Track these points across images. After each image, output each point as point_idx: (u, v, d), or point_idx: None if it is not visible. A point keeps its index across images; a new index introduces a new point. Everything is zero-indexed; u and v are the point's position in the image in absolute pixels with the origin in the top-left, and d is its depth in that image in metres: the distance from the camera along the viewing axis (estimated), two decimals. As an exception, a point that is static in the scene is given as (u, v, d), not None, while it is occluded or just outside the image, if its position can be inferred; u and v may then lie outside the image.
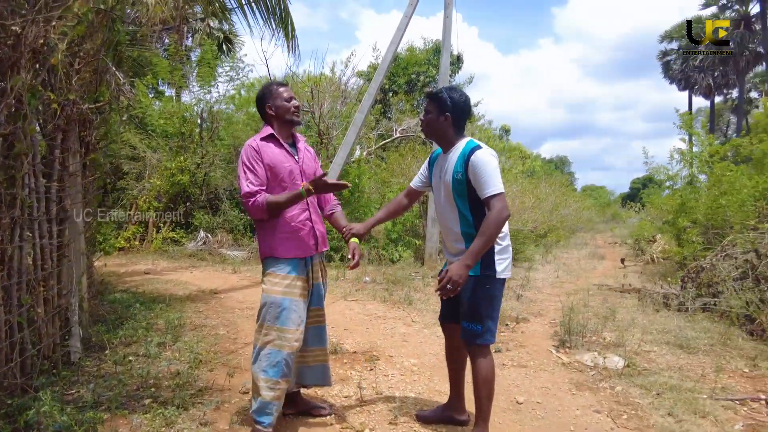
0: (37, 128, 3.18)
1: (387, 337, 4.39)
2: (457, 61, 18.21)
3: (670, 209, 9.54)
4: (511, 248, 2.37)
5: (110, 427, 2.46)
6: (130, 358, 3.51)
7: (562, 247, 15.64)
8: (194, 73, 13.65)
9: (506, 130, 24.77)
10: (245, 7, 5.51)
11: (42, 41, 2.74)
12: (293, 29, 5.93)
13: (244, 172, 2.36)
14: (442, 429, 2.61)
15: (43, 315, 2.92)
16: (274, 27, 5.75)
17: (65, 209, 3.28)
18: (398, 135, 14.57)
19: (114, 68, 4.04)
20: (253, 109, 13.30)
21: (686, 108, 34.09)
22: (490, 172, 2.18)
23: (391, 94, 18.82)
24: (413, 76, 18.58)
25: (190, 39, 17.44)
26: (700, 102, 37.37)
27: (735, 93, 32.17)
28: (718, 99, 34.43)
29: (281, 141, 2.46)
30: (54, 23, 2.74)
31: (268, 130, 2.46)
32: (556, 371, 3.56)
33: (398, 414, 2.73)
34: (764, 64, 27.34)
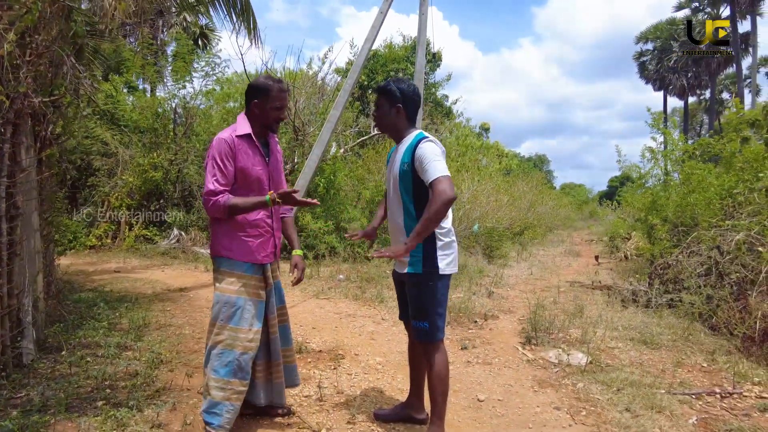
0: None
1: (355, 335, 4.36)
2: (434, 59, 18.24)
3: (643, 207, 9.71)
4: (456, 245, 2.35)
5: (56, 431, 2.38)
6: (88, 358, 3.41)
7: (538, 244, 15.78)
8: (169, 68, 13.42)
9: (485, 129, 24.93)
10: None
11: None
12: (254, 21, 5.89)
13: (213, 168, 2.25)
14: (399, 428, 2.59)
15: (-11, 316, 2.82)
16: (235, 20, 5.70)
17: (17, 206, 3.17)
18: (376, 132, 14.54)
19: (73, 61, 3.91)
20: (230, 104, 13.13)
21: (661, 108, 34.78)
22: (433, 159, 2.16)
23: (369, 91, 18.78)
24: (392, 73, 18.54)
25: (165, 33, 17.12)
26: (674, 102, 38.20)
27: (708, 94, 32.92)
28: (691, 99, 35.22)
29: (256, 141, 2.36)
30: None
31: (245, 127, 2.33)
32: (521, 368, 3.58)
33: (357, 413, 2.71)
34: (734, 65, 28.00)
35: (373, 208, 10.01)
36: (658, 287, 5.62)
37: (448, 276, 2.30)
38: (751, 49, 27.13)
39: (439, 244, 2.27)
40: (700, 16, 28.89)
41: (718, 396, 3.03)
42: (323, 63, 13.07)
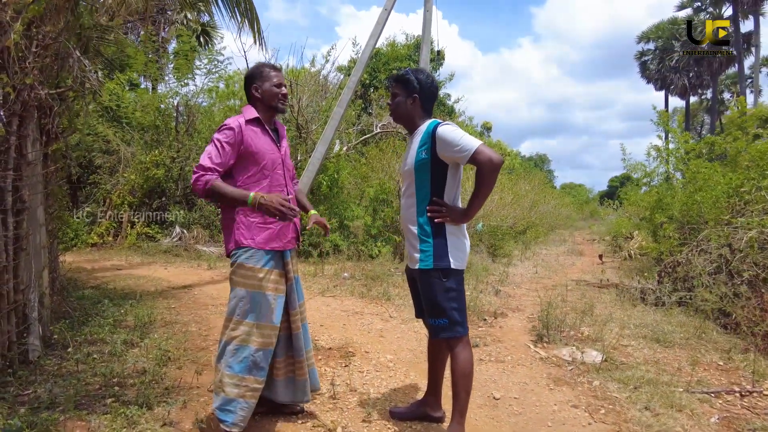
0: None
1: (364, 332, 4.30)
2: (437, 57, 18.18)
3: (647, 206, 9.66)
4: (467, 240, 2.30)
5: (66, 429, 2.32)
6: (95, 356, 3.35)
7: (541, 243, 15.73)
8: (171, 65, 13.36)
9: (488, 128, 24.84)
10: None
11: (-7, 19, 2.57)
12: (258, 21, 5.84)
13: (212, 147, 2.21)
14: (416, 426, 2.54)
15: (-4, 311, 2.76)
16: (239, 18, 5.66)
17: (23, 200, 3.11)
18: (379, 130, 14.49)
19: (78, 54, 3.85)
20: (231, 102, 13.07)
21: (663, 107, 34.69)
22: (461, 135, 2.12)
23: (372, 90, 18.72)
24: (394, 71, 18.50)
25: (166, 31, 17.05)
26: (676, 102, 38.21)
27: (709, 93, 32.88)
28: (693, 99, 35.17)
29: (266, 126, 2.33)
30: (5, 1, 2.57)
31: (252, 113, 2.32)
32: (534, 366, 3.52)
33: (372, 411, 2.65)
34: (736, 65, 27.96)
35: (377, 206, 9.96)
36: (667, 285, 5.57)
37: (460, 271, 2.24)
38: (753, 49, 27.11)
39: (449, 238, 2.21)
40: (702, 15, 28.84)
41: (737, 395, 2.98)
42: (326, 61, 13.04)
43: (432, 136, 2.18)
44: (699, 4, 29.03)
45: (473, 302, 5.25)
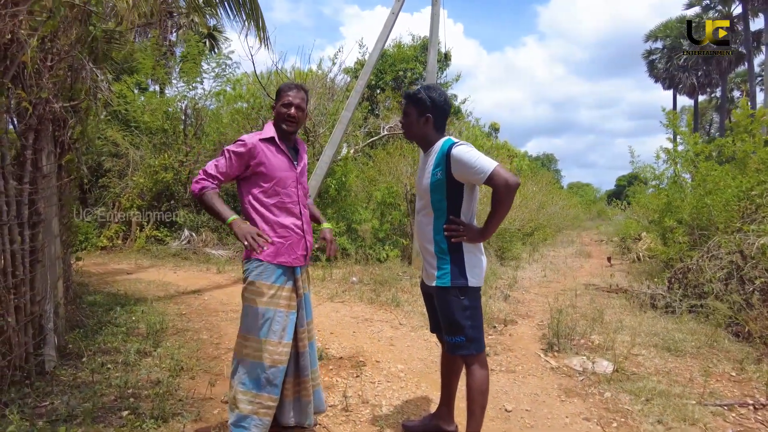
0: (11, 126, 3.06)
1: (374, 341, 4.32)
2: (444, 59, 18.16)
3: (656, 208, 9.61)
4: (484, 257, 2.30)
5: (84, 442, 2.35)
6: (109, 365, 3.39)
7: (549, 245, 15.70)
8: (178, 69, 13.46)
9: (495, 129, 24.77)
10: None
11: (9, 37, 2.61)
12: (263, 22, 5.89)
13: (222, 156, 2.28)
14: (429, 440, 2.55)
15: (14, 324, 2.80)
16: (244, 19, 5.71)
17: (38, 212, 3.15)
18: (386, 133, 14.49)
19: (90, 65, 3.89)
20: (239, 104, 13.11)
21: (671, 106, 34.51)
22: (477, 156, 2.12)
23: (378, 91, 18.72)
24: (400, 72, 18.48)
25: (174, 34, 17.15)
26: (684, 101, 37.92)
27: (718, 92, 32.61)
28: (701, 98, 34.91)
29: (282, 146, 2.36)
30: (22, 17, 2.60)
31: (269, 131, 2.36)
32: (545, 376, 3.52)
33: (384, 424, 2.67)
34: (746, 63, 27.70)
35: (384, 210, 9.97)
36: (677, 291, 5.54)
37: (477, 289, 2.24)
38: (763, 47, 26.85)
39: (467, 256, 2.22)
40: (710, 14, 28.62)
41: (751, 407, 2.97)
42: (333, 64, 13.06)
43: (447, 157, 2.17)
44: (708, 2, 28.80)
45: (483, 309, 5.24)
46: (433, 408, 2.91)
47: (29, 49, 2.79)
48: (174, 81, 13.48)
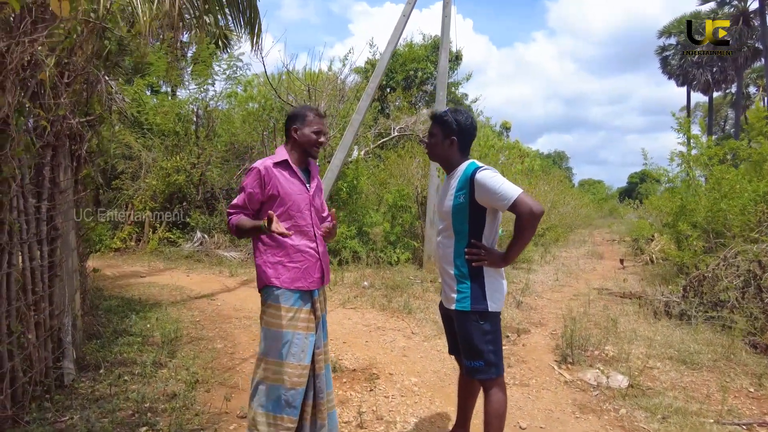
0: (32, 141, 3.09)
1: (387, 351, 4.32)
2: (455, 59, 18.07)
3: (670, 211, 9.51)
4: (505, 283, 2.30)
5: (103, 461, 2.39)
6: (125, 377, 3.43)
7: (561, 245, 15.60)
8: (189, 70, 13.52)
9: (507, 128, 24.61)
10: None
11: (28, 59, 2.64)
12: (260, 29, 6.00)
13: (242, 191, 2.31)
14: (444, 460, 2.55)
15: (34, 341, 2.84)
16: (242, 25, 5.82)
17: (56, 228, 3.19)
18: (396, 134, 14.47)
19: (106, 78, 3.92)
20: (250, 105, 13.17)
21: (684, 103, 34.09)
22: (501, 182, 2.11)
23: (388, 91, 18.70)
24: (411, 72, 18.44)
25: (186, 35, 17.23)
26: (698, 97, 37.36)
27: (734, 88, 32.12)
28: (716, 94, 34.37)
29: (295, 168, 2.36)
30: (41, 41, 2.63)
31: (282, 155, 2.36)
32: (559, 390, 3.51)
33: (399, 443, 2.67)
34: (762, 59, 27.20)
35: (395, 213, 9.96)
36: (692, 300, 5.48)
37: (497, 314, 2.23)
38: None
39: (487, 281, 2.20)
40: (726, 9, 28.16)
41: (770, 426, 2.93)
42: (343, 65, 13.06)
43: (470, 181, 2.16)
44: (723, -3, 28.33)
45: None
46: (447, 425, 2.91)
47: (48, 69, 2.82)
48: (186, 83, 13.56)
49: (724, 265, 5.46)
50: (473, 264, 2.20)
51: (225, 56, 12.83)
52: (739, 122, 31.59)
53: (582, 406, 3.23)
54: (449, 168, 2.35)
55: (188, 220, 11.42)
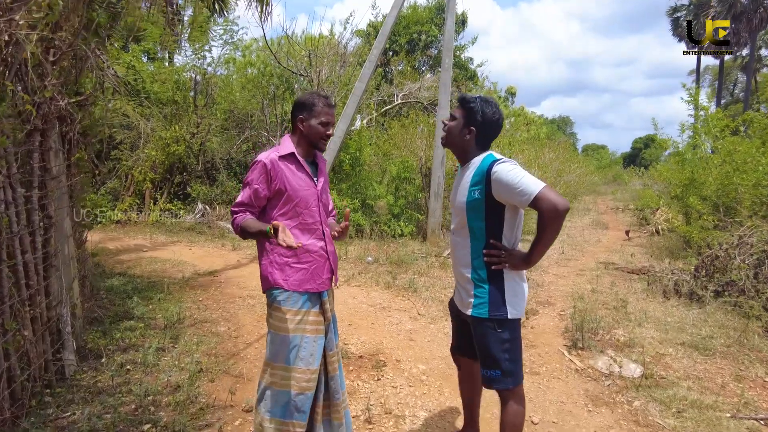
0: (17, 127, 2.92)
1: (393, 334, 4.25)
2: (461, 23, 17.45)
3: (679, 183, 9.32)
4: (527, 286, 2.14)
5: (106, 464, 2.33)
6: (128, 367, 3.37)
7: (565, 214, 15.44)
8: (186, 36, 13.07)
9: (512, 93, 24.01)
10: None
11: (7, 38, 2.43)
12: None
13: (247, 186, 2.13)
14: (456, 461, 2.49)
15: (31, 336, 2.75)
16: None
17: (50, 216, 3.05)
18: (400, 101, 14.11)
19: (98, 53, 3.69)
20: (249, 71, 12.77)
21: (694, 66, 33.26)
22: (522, 175, 1.91)
23: (391, 55, 18.16)
24: (415, 35, 17.86)
25: (180, -3, 16.59)
26: (708, 60, 36.34)
27: (745, 51, 31.18)
28: (727, 57, 33.41)
29: (302, 161, 2.18)
30: (20, 20, 2.42)
31: (288, 146, 2.16)
32: (570, 379, 3.44)
33: (409, 441, 2.61)
34: (778, 21, 26.34)
35: (399, 185, 9.79)
36: (703, 279, 5.37)
37: (518, 321, 2.09)
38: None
39: (507, 284, 2.05)
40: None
41: (788, 421, 2.86)
42: (344, 29, 12.59)
43: (487, 176, 1.98)
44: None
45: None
46: (456, 420, 2.85)
47: (29, 47, 2.62)
48: (184, 48, 13.12)
49: (737, 244, 5.33)
50: (492, 267, 2.05)
51: (221, 21, 12.36)
52: (750, 86, 30.86)
53: (594, 398, 3.16)
54: (464, 159, 2.15)
55: (189, 190, 11.26)
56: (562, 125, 49.00)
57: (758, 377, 3.46)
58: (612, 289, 5.88)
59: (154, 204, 11.17)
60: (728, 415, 2.90)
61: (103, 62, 3.94)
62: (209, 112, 11.86)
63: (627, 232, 11.26)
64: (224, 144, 12.02)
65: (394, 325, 4.49)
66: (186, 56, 12.53)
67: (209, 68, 12.20)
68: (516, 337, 2.08)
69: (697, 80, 33.20)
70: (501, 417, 2.11)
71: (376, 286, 5.87)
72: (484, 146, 2.13)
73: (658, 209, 12.01)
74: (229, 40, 12.19)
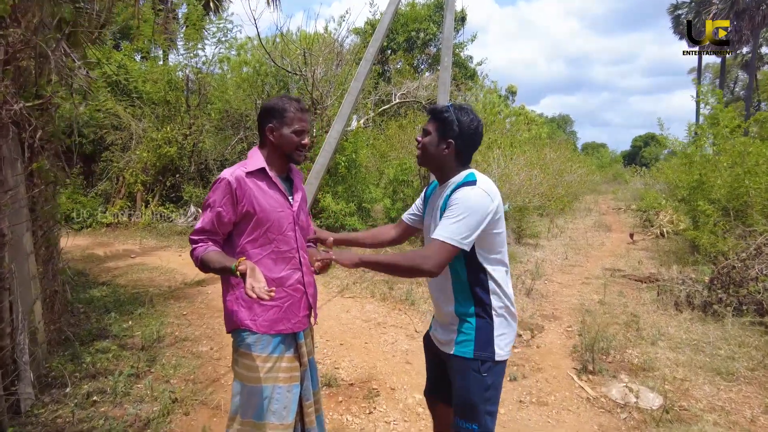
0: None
1: (388, 356, 3.94)
2: (460, 20, 17.12)
3: (686, 185, 9.00)
4: (516, 320, 1.83)
5: None
6: (95, 397, 3.06)
7: (567, 215, 15.15)
8: (180, 34, 12.74)
9: (512, 92, 23.65)
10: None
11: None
12: None
13: (208, 209, 1.79)
14: None
15: (-26, 372, 2.43)
16: None
17: (2, 233, 2.73)
18: (397, 100, 13.79)
19: (64, 48, 3.36)
20: (244, 70, 12.43)
21: (695, 64, 32.96)
22: (460, 214, 1.63)
23: (389, 53, 17.83)
24: (413, 33, 17.51)
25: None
26: (709, 58, 36.02)
27: (747, 49, 30.86)
28: (729, 55, 33.08)
29: (274, 178, 1.85)
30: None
31: (257, 161, 1.83)
32: (582, 411, 3.13)
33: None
34: (781, 18, 26.01)
35: (396, 187, 9.47)
36: (718, 292, 5.06)
37: (504, 362, 1.77)
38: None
39: (497, 321, 1.74)
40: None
41: (829, 465, 2.55)
42: (340, 26, 12.26)
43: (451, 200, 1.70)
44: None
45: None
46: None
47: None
48: (178, 47, 12.77)
49: (755, 254, 5.02)
50: (316, 270, 1.83)
51: (215, 19, 12.05)
52: (752, 84, 30.52)
53: (609, 434, 2.85)
54: (442, 177, 1.84)
55: (182, 193, 10.94)
56: (562, 124, 48.61)
57: (789, 408, 3.15)
58: (620, 300, 5.57)
59: (146, 207, 10.85)
60: (761, 457, 2.60)
61: (73, 61, 3.62)
62: (203, 112, 11.53)
63: (631, 235, 10.95)
64: (218, 145, 11.69)
65: (389, 345, 4.18)
66: (179, 55, 12.20)
67: (203, 67, 11.87)
68: (499, 384, 1.77)
69: (699, 78, 32.86)
70: None
71: (372, 298, 5.56)
72: (465, 161, 1.82)
73: (661, 211, 11.69)
74: (223, 39, 11.84)
